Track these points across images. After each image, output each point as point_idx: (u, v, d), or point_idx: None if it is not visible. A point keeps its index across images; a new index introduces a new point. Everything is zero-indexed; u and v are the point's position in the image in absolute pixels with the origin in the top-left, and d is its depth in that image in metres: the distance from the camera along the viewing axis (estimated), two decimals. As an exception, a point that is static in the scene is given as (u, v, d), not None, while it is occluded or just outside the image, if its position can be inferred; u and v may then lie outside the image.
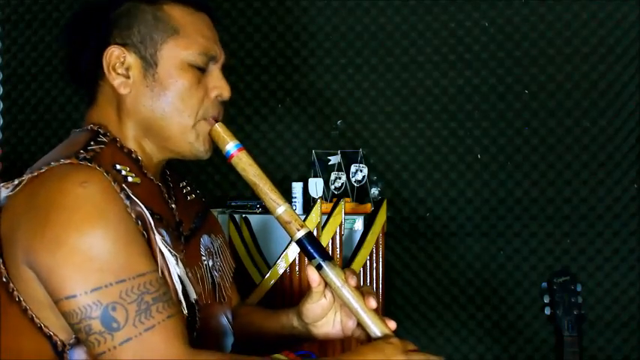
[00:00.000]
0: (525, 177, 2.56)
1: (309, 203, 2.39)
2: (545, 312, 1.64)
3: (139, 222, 0.94)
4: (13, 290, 0.93)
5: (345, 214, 2.03)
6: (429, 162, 2.60)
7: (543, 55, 2.54)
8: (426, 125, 2.60)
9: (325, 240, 1.97)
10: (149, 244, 0.95)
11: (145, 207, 0.95)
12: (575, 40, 2.53)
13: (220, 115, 1.08)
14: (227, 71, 1.09)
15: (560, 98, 2.54)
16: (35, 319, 0.93)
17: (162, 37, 1.02)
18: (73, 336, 0.92)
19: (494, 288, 2.58)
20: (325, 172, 2.53)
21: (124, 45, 1.02)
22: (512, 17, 2.55)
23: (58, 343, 0.93)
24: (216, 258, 1.17)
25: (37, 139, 2.78)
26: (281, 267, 1.92)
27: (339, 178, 2.51)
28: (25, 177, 0.94)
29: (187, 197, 1.18)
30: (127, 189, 0.94)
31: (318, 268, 1.03)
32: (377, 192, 2.60)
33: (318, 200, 1.96)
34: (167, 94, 1.02)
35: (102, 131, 1.02)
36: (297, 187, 2.43)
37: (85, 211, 0.89)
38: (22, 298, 0.92)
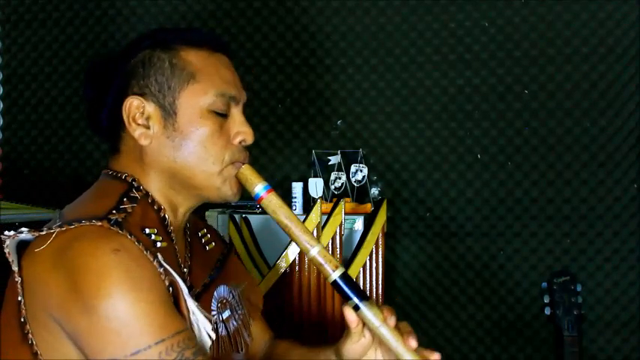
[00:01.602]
0: (525, 177, 2.56)
1: (309, 203, 2.39)
2: (545, 312, 1.64)
3: (170, 289, 0.92)
4: (28, 332, 0.92)
5: (345, 214, 2.03)
6: (429, 162, 2.60)
7: (543, 55, 2.54)
8: (426, 125, 2.60)
9: (325, 240, 1.96)
10: (178, 310, 0.93)
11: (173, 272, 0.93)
12: (575, 40, 2.53)
13: (246, 159, 1.06)
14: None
15: (560, 98, 2.54)
16: None
17: (179, 84, 1.00)
18: None
19: (494, 288, 2.58)
20: (325, 172, 2.53)
21: (142, 95, 1.00)
22: (512, 17, 2.55)
23: None
24: (237, 306, 1.15)
25: (37, 139, 2.78)
26: (281, 267, 1.92)
27: (339, 178, 2.51)
28: (54, 230, 0.91)
29: (206, 247, 1.16)
30: (160, 256, 0.93)
31: (356, 308, 0.99)
32: (377, 192, 2.60)
33: (318, 200, 1.95)
34: (188, 143, 1.00)
35: (135, 184, 1.01)
36: (297, 187, 2.43)
37: (118, 277, 0.86)
38: (35, 342, 0.91)
